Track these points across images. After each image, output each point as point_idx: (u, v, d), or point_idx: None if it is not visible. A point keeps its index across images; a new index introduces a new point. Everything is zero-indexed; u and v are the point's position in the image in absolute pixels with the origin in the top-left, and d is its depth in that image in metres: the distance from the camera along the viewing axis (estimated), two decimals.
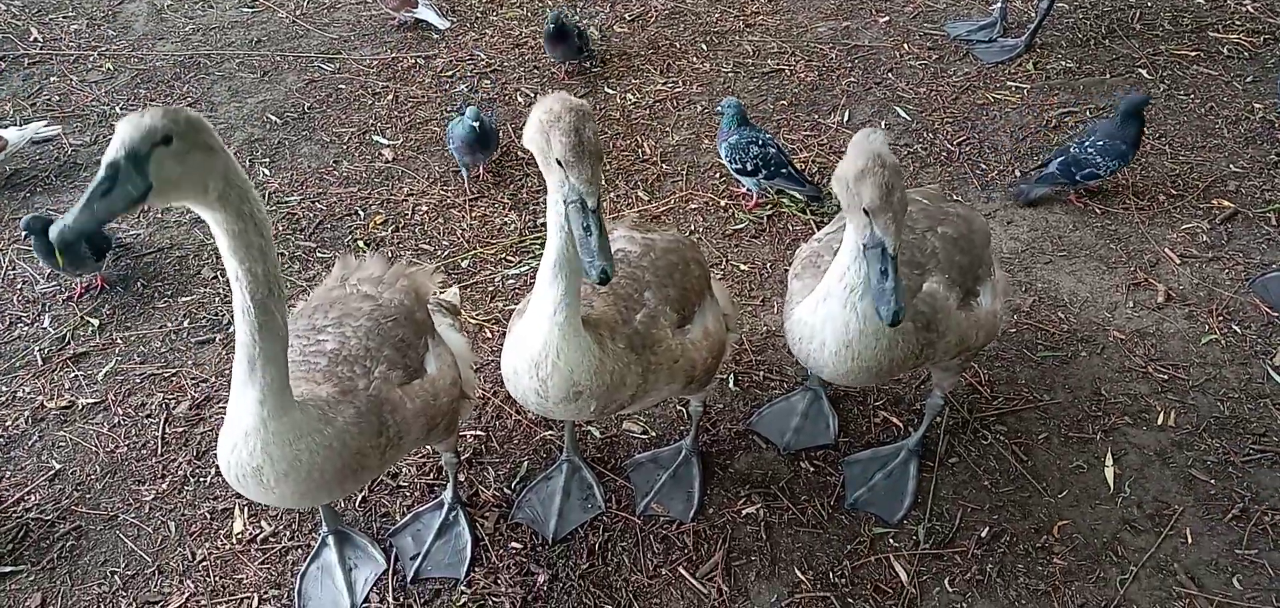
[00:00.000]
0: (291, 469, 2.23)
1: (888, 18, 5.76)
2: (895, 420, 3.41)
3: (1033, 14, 5.50)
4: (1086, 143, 4.19)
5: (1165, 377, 3.52)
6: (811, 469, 3.26)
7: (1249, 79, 5.07)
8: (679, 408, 3.48)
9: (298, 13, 5.92)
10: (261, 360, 2.11)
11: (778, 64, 5.38)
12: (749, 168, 4.26)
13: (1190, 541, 3.00)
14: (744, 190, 4.42)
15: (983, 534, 3.04)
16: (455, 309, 3.17)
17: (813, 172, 4.58)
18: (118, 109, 5.10)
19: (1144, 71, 5.20)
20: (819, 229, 3.82)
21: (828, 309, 2.53)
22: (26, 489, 3.26)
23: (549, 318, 2.32)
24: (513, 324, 2.65)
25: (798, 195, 4.34)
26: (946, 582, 2.92)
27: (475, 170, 4.56)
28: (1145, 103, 4.19)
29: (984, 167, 4.62)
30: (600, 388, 2.41)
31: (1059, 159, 4.24)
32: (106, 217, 1.78)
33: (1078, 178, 4.20)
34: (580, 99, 2.17)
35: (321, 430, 2.26)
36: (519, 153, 4.76)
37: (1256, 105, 4.87)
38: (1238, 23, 5.57)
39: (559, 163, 2.11)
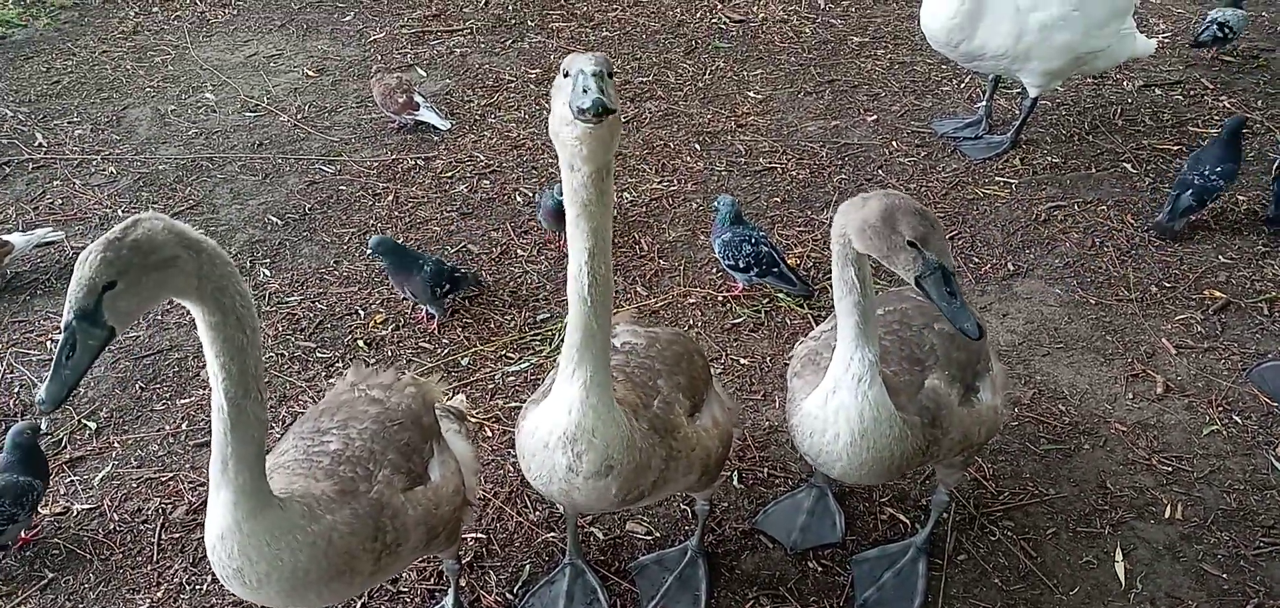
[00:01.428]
0: (272, 570, 2.19)
1: (876, 117, 5.92)
2: (902, 517, 3.38)
3: (1016, 111, 5.66)
4: (1203, 170, 4.63)
5: (1169, 469, 3.52)
6: (819, 569, 3.22)
7: None
8: (683, 507, 3.45)
9: (299, 117, 6.03)
10: (233, 461, 2.10)
11: (769, 163, 5.50)
12: (741, 265, 4.33)
13: None
14: (736, 283, 4.48)
15: None
16: (462, 415, 3.16)
17: (807, 267, 4.64)
18: (119, 212, 5.14)
19: (1129, 165, 5.34)
20: (816, 325, 3.86)
21: (839, 401, 2.53)
22: (18, 599, 3.18)
23: (582, 390, 2.30)
24: (526, 412, 2.64)
25: (787, 295, 4.40)
26: None
27: (560, 237, 4.74)
28: (1244, 122, 4.82)
29: (976, 260, 4.68)
30: (629, 467, 2.39)
31: (1188, 190, 4.62)
32: (79, 374, 1.88)
33: (1207, 202, 4.64)
34: None
35: (304, 529, 2.22)
36: (519, 251, 4.82)
37: (1240, 197, 4.98)
38: (1216, 117, 5.74)
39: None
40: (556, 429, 2.37)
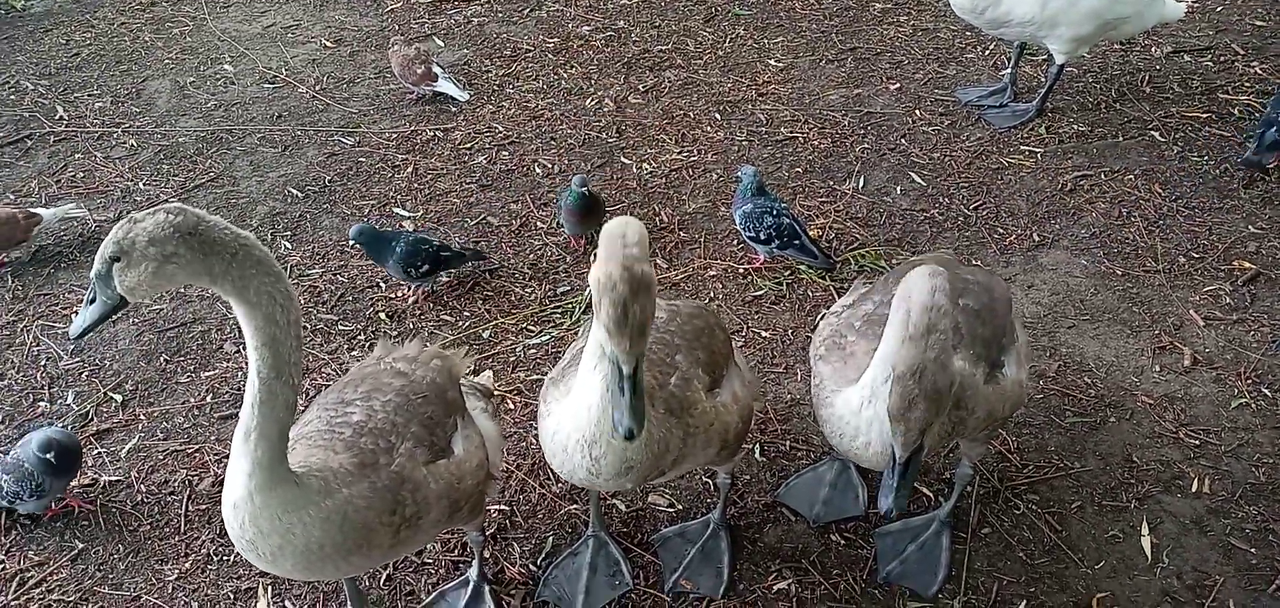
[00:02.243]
0: (285, 543, 2.22)
1: (898, 85, 5.83)
2: (925, 491, 3.37)
3: (1042, 78, 5.57)
4: None
5: (1197, 442, 3.48)
6: (842, 542, 3.21)
7: None
8: (705, 480, 3.45)
9: (318, 88, 6.02)
10: (256, 434, 2.14)
11: (791, 132, 5.44)
12: (763, 237, 4.29)
13: None
14: (757, 255, 4.45)
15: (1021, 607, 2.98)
16: (488, 392, 3.16)
17: (829, 239, 4.60)
18: (141, 185, 5.16)
19: (1156, 134, 5.24)
20: (838, 297, 3.83)
21: (874, 412, 2.52)
22: (49, 569, 3.23)
23: (600, 399, 2.31)
24: (547, 395, 2.64)
25: (808, 268, 4.36)
26: None
27: (581, 240, 4.63)
28: None
29: (1001, 231, 4.63)
30: (649, 459, 2.42)
31: (1274, 127, 4.63)
32: (96, 321, 2.12)
33: None
34: (641, 240, 2.14)
35: (319, 503, 2.24)
36: (537, 223, 4.80)
37: (1271, 166, 4.88)
38: (1247, 84, 5.62)
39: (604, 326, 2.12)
40: (576, 432, 2.40)
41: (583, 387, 2.37)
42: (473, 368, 3.16)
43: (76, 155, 5.43)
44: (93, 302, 2.10)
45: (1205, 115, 5.35)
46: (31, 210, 4.54)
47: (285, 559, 2.26)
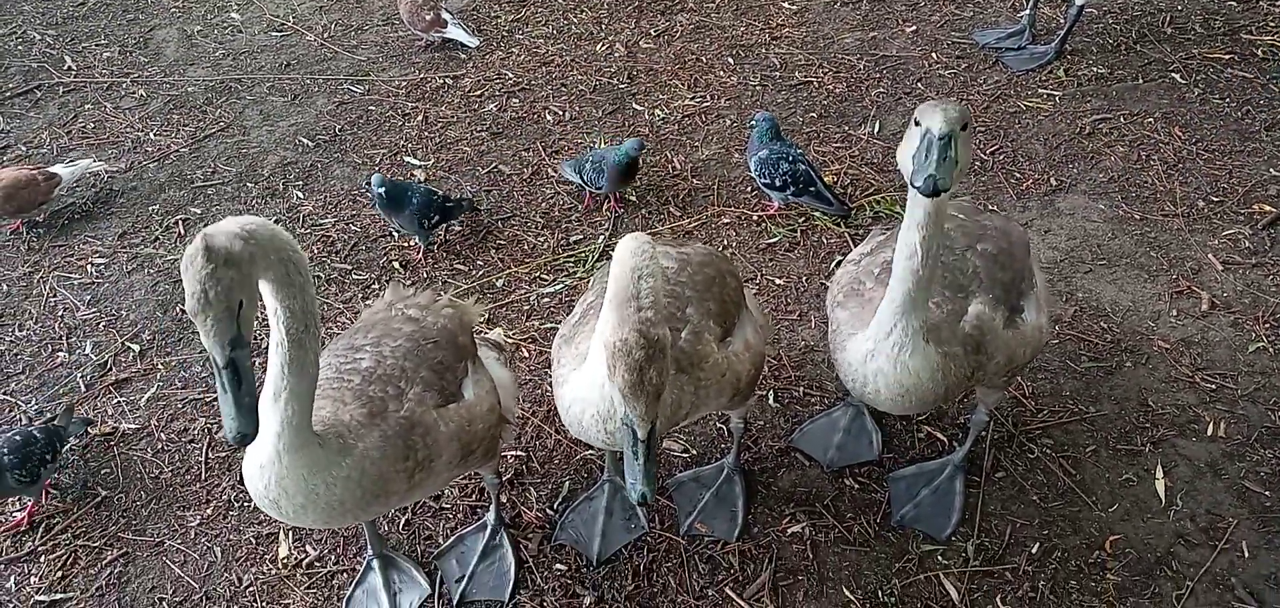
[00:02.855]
0: (309, 501, 2.26)
1: (914, 28, 5.74)
2: (939, 435, 3.38)
3: (1061, 20, 5.46)
4: None
5: (1213, 386, 3.47)
6: (856, 486, 3.23)
7: None
8: (719, 426, 3.46)
9: (326, 36, 5.96)
10: (286, 393, 2.14)
11: (805, 76, 5.37)
12: (778, 183, 4.25)
13: (1247, 554, 2.94)
14: (771, 202, 4.41)
15: (1033, 550, 3.00)
16: (500, 347, 3.17)
17: (845, 185, 4.56)
18: (151, 134, 5.15)
19: (1177, 76, 5.15)
20: (854, 244, 3.81)
21: (877, 365, 2.54)
22: (73, 516, 3.28)
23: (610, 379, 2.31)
24: (561, 355, 2.64)
25: (822, 215, 4.32)
26: (999, 599, 2.89)
27: (611, 196, 4.52)
28: None
29: (1018, 175, 4.58)
30: (662, 421, 2.42)
31: None
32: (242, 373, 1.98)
33: None
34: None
35: (339, 462, 2.27)
36: (549, 172, 4.77)
37: None
38: (1271, 24, 5.50)
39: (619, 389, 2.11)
40: (591, 407, 2.42)
41: (596, 361, 2.36)
42: (485, 316, 3.15)
43: (86, 106, 5.42)
44: (235, 375, 1.94)
45: (1227, 56, 5.25)
46: (51, 171, 4.50)
47: (307, 515, 2.30)
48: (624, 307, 2.12)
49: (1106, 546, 3.00)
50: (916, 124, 2.29)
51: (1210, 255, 4.02)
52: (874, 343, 2.53)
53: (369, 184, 4.24)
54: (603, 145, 4.82)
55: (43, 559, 3.16)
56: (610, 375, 2.12)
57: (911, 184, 2.26)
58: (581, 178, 4.43)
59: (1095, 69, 5.25)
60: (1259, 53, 5.24)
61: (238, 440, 1.97)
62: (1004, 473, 3.24)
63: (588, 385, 2.43)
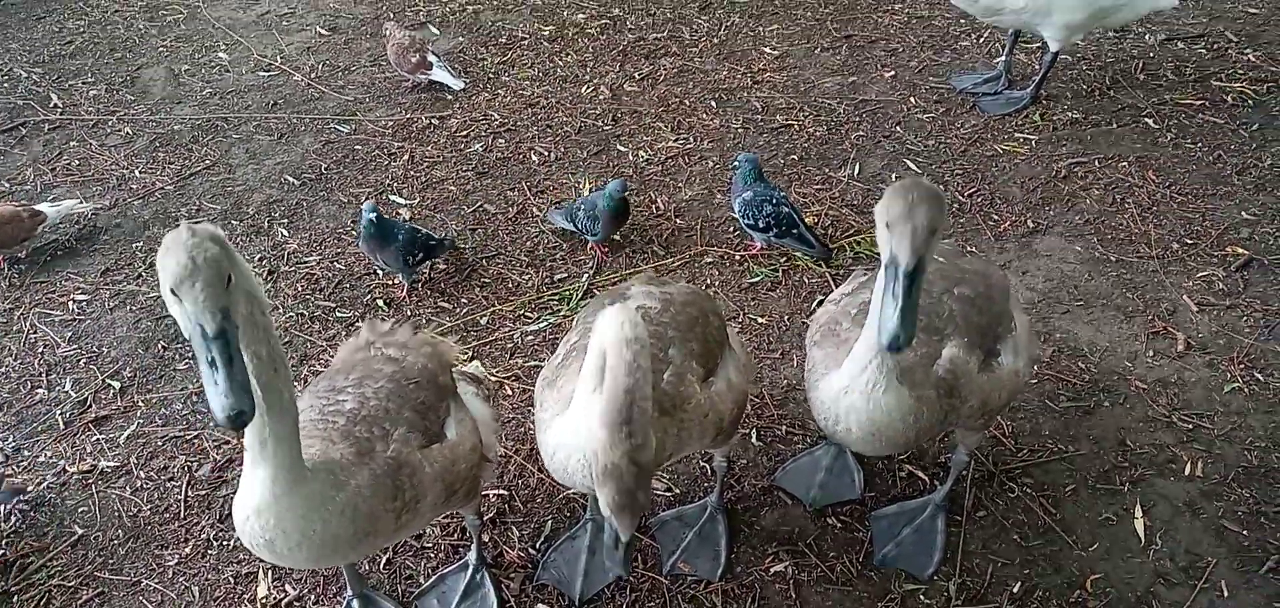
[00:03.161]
0: (304, 539, 2.25)
1: (893, 72, 5.85)
2: (920, 474, 3.39)
3: (1037, 66, 5.59)
4: None
5: (1190, 426, 3.51)
6: (838, 525, 3.24)
7: (1254, 126, 5.13)
8: (702, 464, 3.47)
9: (313, 76, 6.01)
10: (272, 439, 2.13)
11: (786, 120, 5.45)
12: (761, 225, 4.30)
13: (1226, 594, 2.96)
14: (753, 242, 4.46)
15: (1015, 589, 3.01)
16: (478, 380, 3.17)
17: (825, 226, 4.62)
18: (136, 172, 5.15)
19: (1150, 121, 5.26)
20: (835, 285, 3.85)
21: (850, 402, 2.56)
22: (50, 555, 3.24)
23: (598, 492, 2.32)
24: (544, 400, 2.64)
25: (805, 255, 4.37)
26: None
27: (604, 246, 4.52)
28: None
29: (995, 217, 4.65)
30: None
31: None
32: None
33: None
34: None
35: (334, 497, 2.26)
36: (534, 211, 4.81)
37: (1264, 154, 4.91)
38: (1240, 71, 5.65)
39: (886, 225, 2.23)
40: (575, 453, 2.43)
41: (581, 410, 2.36)
42: (469, 355, 3.16)
43: (72, 143, 5.42)
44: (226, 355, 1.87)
45: (1199, 102, 5.38)
46: (36, 209, 4.49)
47: (302, 553, 2.28)
48: (615, 430, 2.12)
49: (1087, 585, 3.01)
50: (887, 227, 2.28)
51: (1185, 297, 4.09)
52: (849, 379, 2.55)
53: (360, 213, 4.25)
54: (588, 189, 4.86)
55: (15, 598, 3.11)
56: (598, 488, 2.18)
57: (878, 339, 2.28)
58: (575, 225, 4.45)
59: (1070, 113, 5.36)
60: (1229, 99, 5.38)
61: (231, 420, 1.84)
62: (985, 512, 3.26)
63: (572, 432, 2.43)
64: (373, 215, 4.13)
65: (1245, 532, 3.13)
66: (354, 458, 2.37)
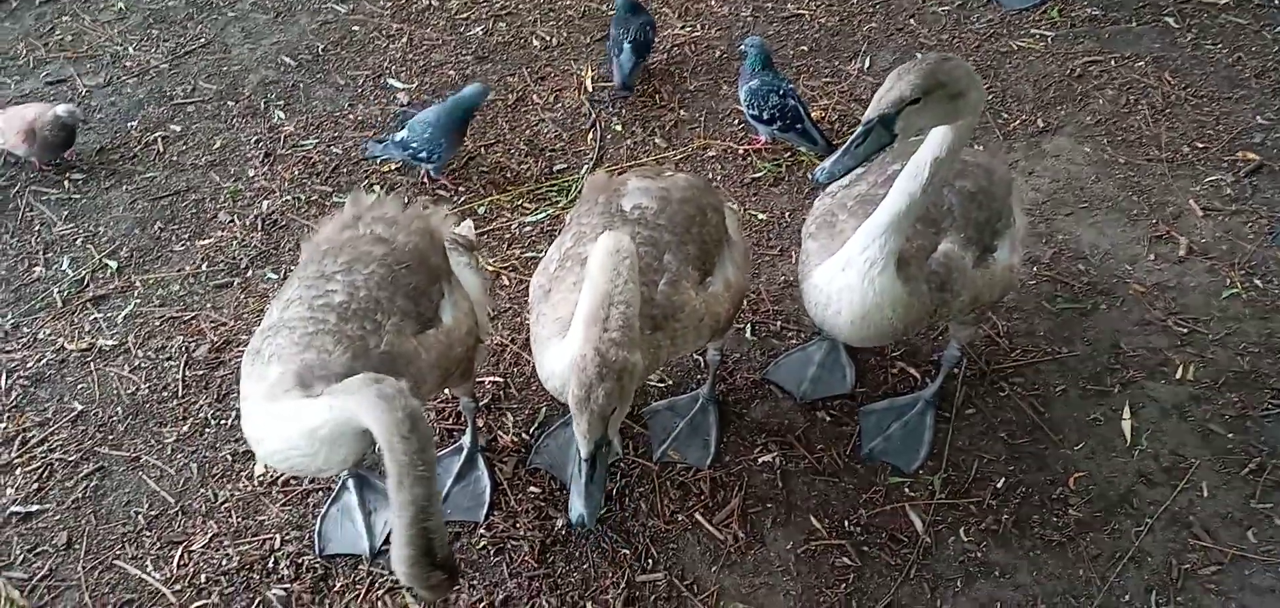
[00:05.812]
0: (311, 461, 2.34)
1: None
2: (912, 371, 3.41)
3: None
4: None
5: (1185, 330, 3.50)
6: (828, 419, 3.27)
7: (1279, 27, 4.96)
8: (696, 357, 3.49)
9: None
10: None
11: (797, 8, 5.29)
12: (765, 117, 4.21)
13: (1206, 494, 3.01)
14: (758, 136, 4.38)
15: (999, 485, 3.05)
16: (471, 245, 3.12)
17: (832, 121, 4.53)
18: (130, 49, 5.06)
19: (1171, 20, 5.09)
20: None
21: (846, 280, 2.54)
22: (50, 430, 3.30)
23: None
24: (540, 311, 2.61)
25: (808, 152, 4.29)
26: (962, 532, 2.95)
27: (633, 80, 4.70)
28: None
29: (1006, 116, 4.55)
30: (639, 377, 2.40)
31: None
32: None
33: None
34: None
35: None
36: (535, 99, 4.72)
37: None
38: None
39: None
40: (570, 382, 2.38)
41: (577, 332, 2.32)
42: (455, 221, 3.12)
43: (63, 17, 5.31)
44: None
45: (1223, 1, 5.19)
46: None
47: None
48: (589, 325, 2.19)
49: (1070, 483, 3.05)
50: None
51: (1191, 201, 4.03)
52: (848, 258, 2.54)
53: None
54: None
55: (18, 471, 3.18)
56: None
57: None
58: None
59: (1089, 10, 5.18)
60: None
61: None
62: (974, 409, 3.28)
63: (567, 357, 2.38)
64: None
65: (1231, 435, 3.15)
66: (349, 363, 2.32)
